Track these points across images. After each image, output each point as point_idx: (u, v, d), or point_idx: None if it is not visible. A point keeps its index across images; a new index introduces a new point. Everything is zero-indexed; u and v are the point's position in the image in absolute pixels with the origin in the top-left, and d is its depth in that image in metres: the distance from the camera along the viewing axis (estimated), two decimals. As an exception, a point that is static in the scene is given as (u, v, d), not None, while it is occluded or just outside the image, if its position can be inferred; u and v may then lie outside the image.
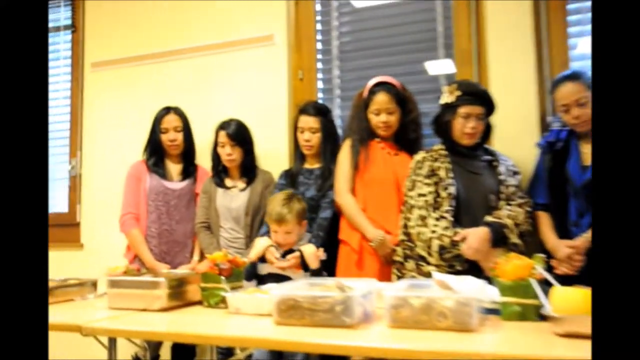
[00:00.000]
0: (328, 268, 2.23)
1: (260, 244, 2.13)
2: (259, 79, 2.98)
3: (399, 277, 2.10)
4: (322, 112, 2.54)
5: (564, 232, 2.07)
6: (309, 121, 2.50)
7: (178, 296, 1.74)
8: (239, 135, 2.62)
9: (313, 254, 2.05)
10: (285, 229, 2.11)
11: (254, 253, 2.11)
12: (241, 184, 2.66)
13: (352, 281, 1.62)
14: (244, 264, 1.86)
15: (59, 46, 3.54)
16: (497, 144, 2.41)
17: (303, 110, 2.55)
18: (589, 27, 2.44)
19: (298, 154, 2.59)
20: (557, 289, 1.33)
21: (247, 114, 2.82)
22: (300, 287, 1.58)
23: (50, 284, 1.90)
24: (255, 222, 2.57)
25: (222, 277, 1.71)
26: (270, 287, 1.68)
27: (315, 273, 2.04)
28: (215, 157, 2.68)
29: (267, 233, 2.23)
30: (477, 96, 2.11)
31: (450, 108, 2.12)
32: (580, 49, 2.50)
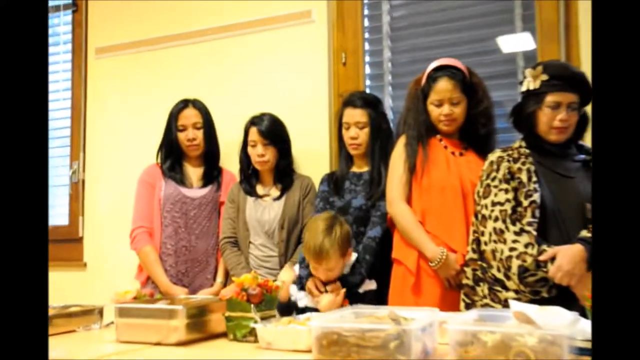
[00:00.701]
0: (378, 294, 2.22)
1: (288, 282, 2.17)
2: (294, 65, 3.01)
3: (468, 305, 2.06)
4: (370, 103, 2.54)
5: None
6: (355, 115, 2.51)
7: (199, 327, 1.76)
8: (273, 132, 2.65)
9: (329, 304, 2.05)
10: (327, 266, 2.11)
11: (282, 294, 2.13)
12: (275, 192, 2.69)
13: (409, 311, 1.60)
14: (277, 289, 1.87)
15: (58, 29, 3.67)
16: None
17: (348, 101, 2.56)
18: None
19: (343, 155, 2.61)
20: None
21: (281, 107, 2.86)
22: (346, 318, 1.58)
23: (49, 312, 1.92)
24: (292, 238, 2.60)
25: (252, 305, 1.72)
26: (309, 317, 1.69)
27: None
28: (245, 159, 2.73)
29: (304, 262, 2.23)
30: (569, 81, 2.05)
31: (534, 96, 2.07)
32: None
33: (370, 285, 2.21)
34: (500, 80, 2.69)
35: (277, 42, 3.06)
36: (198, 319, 1.76)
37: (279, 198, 2.66)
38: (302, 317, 1.80)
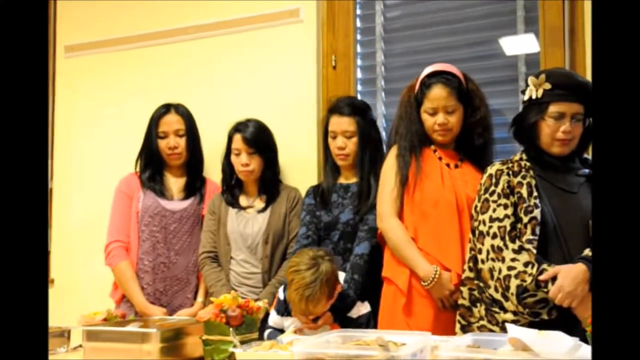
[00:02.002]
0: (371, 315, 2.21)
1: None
2: (281, 68, 3.00)
3: (464, 327, 2.05)
4: (359, 110, 2.53)
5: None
6: (342, 123, 2.50)
7: (174, 351, 1.75)
8: (259, 140, 2.64)
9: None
10: (314, 314, 2.08)
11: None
12: (260, 203, 2.68)
13: (399, 334, 1.60)
14: (259, 310, 1.86)
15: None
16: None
17: (334, 108, 2.55)
18: None
19: (330, 165, 2.59)
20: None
21: (267, 112, 2.85)
22: (331, 343, 1.57)
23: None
24: (277, 253, 2.58)
25: (231, 328, 1.71)
26: (293, 341, 1.67)
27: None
28: (228, 168, 2.72)
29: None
30: (574, 90, 2.04)
31: (537, 106, 2.07)
32: None
33: (363, 308, 2.18)
34: (501, 86, 2.69)
35: (263, 43, 3.05)
36: (173, 342, 1.75)
37: (263, 210, 2.65)
38: (285, 340, 1.79)
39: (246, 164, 2.62)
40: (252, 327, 1.81)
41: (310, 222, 2.47)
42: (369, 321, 2.16)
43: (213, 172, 2.90)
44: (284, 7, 3.02)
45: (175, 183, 2.86)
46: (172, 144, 2.80)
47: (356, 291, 2.22)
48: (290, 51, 2.99)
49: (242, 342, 1.70)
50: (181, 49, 3.22)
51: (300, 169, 2.86)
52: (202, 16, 3.18)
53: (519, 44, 2.71)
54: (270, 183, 2.69)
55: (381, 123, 2.86)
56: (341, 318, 2.12)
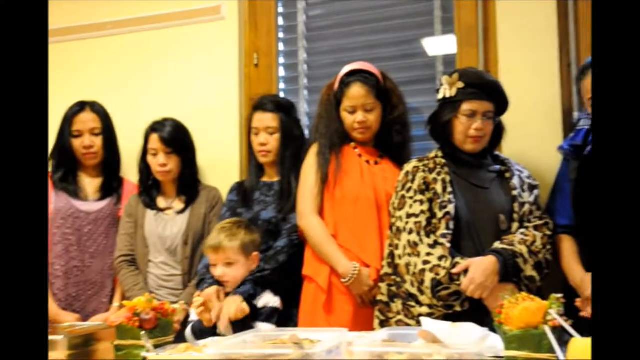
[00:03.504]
0: (288, 314, 2.22)
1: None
2: (202, 66, 2.97)
3: (382, 322, 2.09)
4: (282, 107, 2.55)
5: (593, 261, 2.08)
6: (265, 119, 2.50)
7: (83, 358, 1.71)
8: (176, 139, 2.60)
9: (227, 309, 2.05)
10: (224, 258, 2.13)
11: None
12: (179, 205, 2.64)
13: (316, 332, 1.61)
14: (174, 312, 1.84)
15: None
16: (510, 149, 2.43)
17: (257, 105, 2.56)
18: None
19: (253, 163, 2.60)
20: (577, 341, 1.34)
21: (188, 111, 2.82)
22: (248, 343, 1.56)
23: None
24: (197, 255, 2.55)
25: (143, 331, 1.68)
26: (209, 343, 1.66)
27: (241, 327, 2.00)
28: (145, 169, 2.67)
29: (208, 268, 2.24)
30: (485, 89, 2.13)
31: (450, 104, 2.15)
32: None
33: (272, 301, 2.17)
34: (420, 85, 2.75)
35: (184, 41, 3.01)
36: (83, 349, 1.71)
37: (182, 211, 2.62)
38: (201, 342, 1.77)
39: (164, 164, 2.58)
40: (168, 330, 1.78)
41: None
42: (272, 315, 2.14)
43: (131, 173, 2.84)
44: (205, 4, 2.99)
45: (90, 183, 2.78)
46: (87, 143, 2.72)
47: (261, 279, 2.20)
48: (211, 49, 2.97)
49: (157, 346, 1.67)
50: (98, 45, 3.14)
51: (222, 169, 2.84)
52: (120, 12, 3.11)
53: (440, 44, 2.78)
54: (189, 183, 2.65)
55: (304, 121, 2.88)
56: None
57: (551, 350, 1.39)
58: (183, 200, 2.65)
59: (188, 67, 3.00)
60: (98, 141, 2.75)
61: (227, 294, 2.14)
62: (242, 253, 2.16)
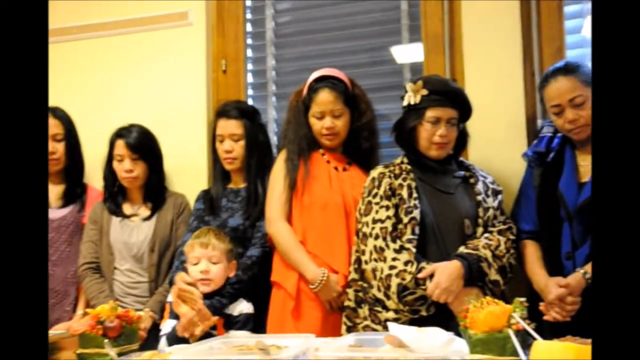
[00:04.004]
0: (258, 319, 2.22)
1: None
2: (169, 72, 2.96)
3: (350, 328, 2.10)
4: (246, 113, 2.55)
5: (556, 266, 2.12)
6: (230, 126, 2.50)
7: (45, 367, 1.67)
8: (143, 145, 2.59)
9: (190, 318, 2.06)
10: (211, 255, 2.14)
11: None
12: (145, 211, 2.63)
13: (283, 338, 1.61)
14: (140, 320, 1.82)
15: None
16: (475, 156, 2.48)
17: (221, 112, 2.55)
18: (589, 5, 2.53)
19: (218, 170, 2.59)
20: (540, 344, 1.36)
21: (155, 117, 2.81)
22: (215, 349, 1.56)
23: None
24: (164, 261, 2.54)
25: (106, 339, 1.66)
26: (174, 350, 1.65)
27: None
28: (110, 175, 2.64)
29: (181, 268, 2.23)
30: (449, 96, 2.16)
31: (415, 111, 2.17)
32: (580, 32, 2.59)
33: (246, 308, 2.18)
34: (388, 92, 2.77)
35: (150, 46, 2.99)
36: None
37: (149, 218, 2.60)
38: (166, 350, 1.76)
39: (130, 170, 2.55)
40: (132, 338, 1.76)
41: (197, 229, 2.44)
42: (248, 322, 2.16)
43: (94, 179, 2.81)
44: (172, 9, 2.98)
45: (52, 190, 2.73)
46: (50, 149, 2.68)
47: (240, 288, 2.21)
48: (179, 54, 2.96)
49: (121, 354, 1.65)
50: (61, 49, 3.09)
51: (189, 175, 2.83)
52: (86, 16, 3.08)
53: (407, 52, 2.82)
54: (155, 190, 2.64)
55: (272, 128, 2.88)
56: (221, 315, 2.13)
57: (515, 353, 1.41)
58: (149, 207, 2.63)
59: (155, 72, 2.98)
60: (60, 147, 2.73)
61: (205, 296, 2.12)
62: (226, 256, 2.17)
